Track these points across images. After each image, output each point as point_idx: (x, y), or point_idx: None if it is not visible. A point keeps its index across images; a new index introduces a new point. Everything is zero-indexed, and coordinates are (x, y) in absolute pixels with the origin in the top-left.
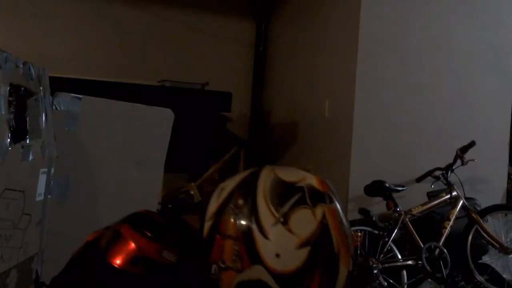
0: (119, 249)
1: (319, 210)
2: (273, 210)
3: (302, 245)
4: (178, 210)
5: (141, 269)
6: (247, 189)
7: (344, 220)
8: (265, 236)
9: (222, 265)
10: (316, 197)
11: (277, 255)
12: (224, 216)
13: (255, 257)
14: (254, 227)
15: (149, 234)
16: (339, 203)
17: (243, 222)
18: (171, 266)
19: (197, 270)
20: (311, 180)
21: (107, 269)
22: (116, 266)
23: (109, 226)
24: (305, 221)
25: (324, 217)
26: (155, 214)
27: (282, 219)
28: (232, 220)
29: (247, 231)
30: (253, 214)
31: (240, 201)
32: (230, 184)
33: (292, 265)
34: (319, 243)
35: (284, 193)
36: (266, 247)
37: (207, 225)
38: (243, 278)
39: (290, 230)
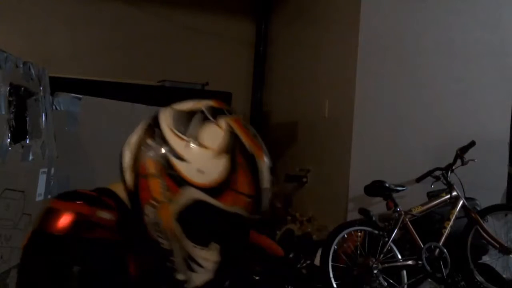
0: (57, 220)
1: (222, 122)
2: (181, 136)
3: (218, 154)
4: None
5: (84, 231)
6: (152, 130)
7: (247, 125)
8: (183, 159)
9: (155, 203)
10: (216, 113)
11: (200, 171)
12: (140, 160)
13: (181, 182)
14: (170, 156)
15: (79, 202)
16: (237, 114)
17: (158, 157)
18: (109, 223)
19: (134, 223)
20: (206, 102)
21: (54, 240)
22: (57, 234)
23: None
24: (212, 134)
25: (229, 126)
26: (86, 190)
27: (191, 140)
28: (148, 160)
29: (166, 163)
30: (165, 146)
31: (149, 141)
32: (135, 133)
33: (216, 174)
34: (232, 148)
35: (186, 119)
36: (187, 168)
37: (128, 175)
38: (178, 206)
39: (202, 146)
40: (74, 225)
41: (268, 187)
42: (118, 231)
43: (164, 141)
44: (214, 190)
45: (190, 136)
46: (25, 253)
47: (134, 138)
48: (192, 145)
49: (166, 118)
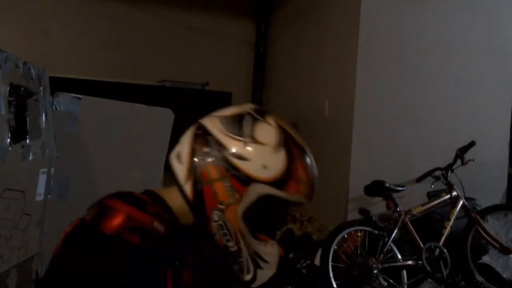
0: (111, 219)
1: (270, 119)
2: (237, 137)
3: (277, 149)
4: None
5: (137, 238)
6: (203, 138)
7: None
8: (245, 159)
9: (222, 206)
10: (261, 113)
11: (264, 166)
12: (200, 168)
13: (247, 180)
14: (231, 158)
15: (139, 207)
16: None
17: (218, 161)
18: (164, 236)
19: (190, 239)
20: (248, 105)
21: (103, 238)
22: (110, 234)
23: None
24: (266, 131)
25: (277, 123)
26: (136, 192)
27: (249, 139)
28: (208, 166)
29: (227, 164)
30: (223, 150)
31: (205, 149)
32: (183, 145)
33: (279, 167)
34: (287, 142)
35: (236, 122)
36: (251, 166)
37: (188, 185)
38: (245, 205)
39: (261, 143)
40: (127, 229)
41: (317, 174)
42: (167, 243)
43: (221, 145)
44: (279, 182)
45: (246, 136)
46: (67, 241)
47: (184, 150)
48: (249, 144)
49: (214, 125)
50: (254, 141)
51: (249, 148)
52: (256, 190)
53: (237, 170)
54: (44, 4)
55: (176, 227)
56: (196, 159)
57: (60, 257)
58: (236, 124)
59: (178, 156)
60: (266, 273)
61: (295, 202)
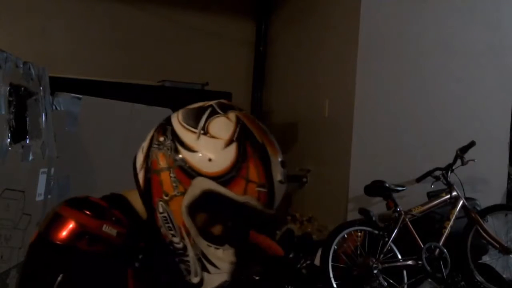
0: (60, 227)
1: (231, 115)
2: (191, 129)
3: (228, 144)
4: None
5: (85, 244)
6: (163, 128)
7: (258, 121)
8: (193, 151)
9: (166, 197)
10: (226, 108)
11: (210, 160)
12: (152, 157)
13: (191, 173)
14: (181, 149)
15: (88, 212)
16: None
17: (170, 152)
18: (113, 239)
19: (145, 239)
20: (217, 100)
21: (53, 249)
22: (60, 243)
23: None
24: (222, 126)
25: (239, 119)
26: (96, 198)
27: (202, 131)
28: (159, 155)
29: (176, 155)
30: (175, 140)
31: (161, 138)
32: (148, 135)
33: (226, 162)
34: (242, 139)
35: (196, 115)
36: (197, 159)
37: (141, 173)
38: (189, 198)
39: (212, 136)
40: (76, 236)
41: (282, 179)
42: (122, 246)
43: (174, 135)
44: (223, 178)
45: (200, 128)
46: (28, 251)
47: (147, 139)
48: (201, 136)
49: (177, 116)
50: (207, 134)
51: (199, 141)
52: (199, 184)
53: (184, 162)
54: (44, 4)
55: (138, 228)
56: (152, 148)
57: (23, 267)
58: (196, 117)
59: (142, 147)
60: (214, 279)
61: (242, 202)
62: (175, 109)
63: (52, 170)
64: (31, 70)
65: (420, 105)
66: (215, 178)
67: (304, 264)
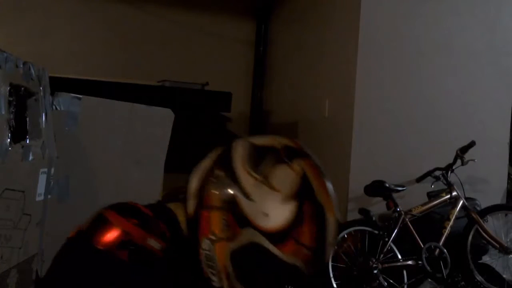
0: (105, 232)
1: (296, 165)
2: (252, 172)
3: (286, 200)
4: (166, 203)
5: (125, 254)
6: (224, 161)
7: (323, 170)
8: (249, 198)
9: (214, 238)
10: (292, 154)
11: (265, 214)
12: (207, 191)
13: (243, 221)
14: (237, 192)
15: (135, 221)
16: (315, 158)
17: (225, 191)
18: (156, 253)
19: (184, 257)
20: (283, 140)
21: (93, 252)
22: (101, 248)
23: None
24: (284, 177)
25: (303, 170)
26: (141, 205)
27: (262, 179)
28: (215, 191)
29: (231, 198)
30: (234, 181)
31: (220, 173)
32: (206, 161)
33: (281, 220)
34: (303, 196)
35: (260, 156)
36: (252, 209)
37: (191, 203)
38: (236, 245)
39: (272, 188)
40: (118, 244)
41: (332, 242)
42: (162, 260)
43: (234, 175)
44: (276, 236)
45: (261, 175)
46: (66, 245)
47: (204, 164)
48: (261, 184)
49: (239, 150)
50: (267, 183)
51: (258, 188)
52: (248, 235)
53: (238, 207)
54: (44, 4)
55: (180, 244)
56: (208, 179)
57: (56, 262)
58: (259, 157)
59: (198, 170)
60: None
61: (288, 263)
62: (175, 109)
63: (52, 170)
64: (31, 70)
65: (420, 105)
66: (267, 234)
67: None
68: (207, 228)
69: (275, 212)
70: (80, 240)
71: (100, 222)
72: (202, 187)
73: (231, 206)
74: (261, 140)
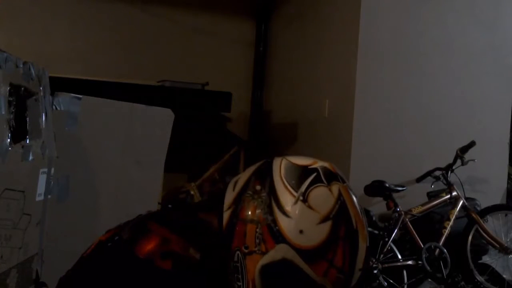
0: (147, 242)
1: (334, 188)
2: (291, 190)
3: (323, 220)
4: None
5: (169, 264)
6: (263, 175)
7: (356, 199)
8: (286, 215)
9: (246, 250)
10: (330, 177)
11: (301, 231)
12: (243, 203)
13: (278, 237)
14: (275, 208)
15: (175, 230)
16: (349, 185)
17: (263, 205)
18: (197, 263)
19: (220, 266)
20: (323, 163)
21: (135, 261)
22: (142, 258)
23: (123, 225)
24: (323, 198)
25: (340, 194)
26: (174, 212)
27: (301, 198)
28: (251, 205)
29: (268, 213)
30: (272, 196)
31: (258, 187)
32: (244, 175)
33: (316, 239)
34: (339, 219)
35: (300, 175)
36: (288, 225)
37: (226, 214)
38: (267, 260)
39: (310, 207)
40: (159, 253)
41: (362, 268)
42: (200, 271)
43: (273, 190)
44: (309, 254)
45: (300, 193)
46: (97, 247)
47: (242, 179)
48: (299, 202)
49: (279, 168)
50: (306, 201)
51: (295, 206)
52: (282, 251)
53: (274, 223)
54: (44, 4)
55: (215, 254)
56: (245, 193)
57: (90, 260)
58: (299, 178)
59: (235, 183)
60: None
61: (318, 283)
62: (175, 109)
63: (52, 170)
64: (31, 70)
65: (420, 105)
66: (301, 251)
67: None
68: (240, 240)
69: (311, 230)
70: (121, 247)
71: (141, 231)
72: (239, 199)
73: (268, 220)
74: (301, 161)
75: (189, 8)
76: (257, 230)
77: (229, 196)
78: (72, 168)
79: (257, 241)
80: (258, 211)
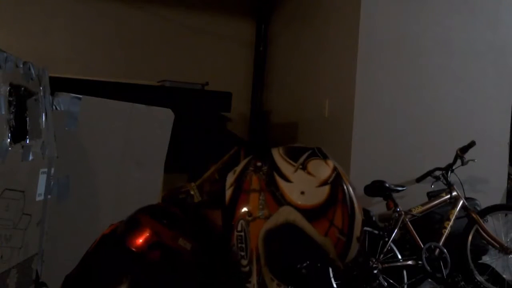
0: (137, 235)
1: (330, 162)
2: (291, 161)
3: (322, 184)
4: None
5: (157, 254)
6: (262, 156)
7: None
8: (288, 180)
9: (249, 218)
10: (325, 155)
11: (302, 193)
12: (246, 178)
13: (281, 200)
14: (277, 177)
15: (165, 222)
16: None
17: (265, 177)
18: (186, 252)
19: (213, 256)
20: (317, 147)
21: (126, 253)
22: (134, 250)
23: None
24: (320, 167)
25: (336, 167)
26: (171, 206)
27: (301, 166)
28: (254, 178)
29: (271, 181)
30: (273, 168)
31: (258, 163)
32: (243, 162)
33: (317, 199)
34: (336, 185)
35: (297, 152)
36: (290, 189)
37: (229, 190)
38: (271, 224)
39: (309, 173)
40: (150, 245)
41: (359, 237)
42: (192, 261)
43: (273, 164)
44: (311, 213)
45: (299, 163)
46: (99, 241)
47: (242, 164)
48: (298, 170)
49: (278, 150)
50: (305, 169)
51: (296, 174)
52: (285, 213)
53: (276, 188)
54: (44, 4)
55: (210, 245)
56: (247, 170)
57: (91, 254)
58: (297, 154)
59: (235, 170)
60: None
61: (319, 243)
62: (175, 109)
63: (52, 170)
64: (31, 70)
65: (420, 105)
66: (303, 211)
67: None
68: (244, 210)
69: (311, 191)
70: (115, 241)
71: (132, 225)
72: (240, 177)
73: (270, 187)
74: (298, 145)
75: (189, 8)
76: (260, 197)
77: (230, 178)
78: (72, 168)
79: (261, 207)
80: (260, 181)
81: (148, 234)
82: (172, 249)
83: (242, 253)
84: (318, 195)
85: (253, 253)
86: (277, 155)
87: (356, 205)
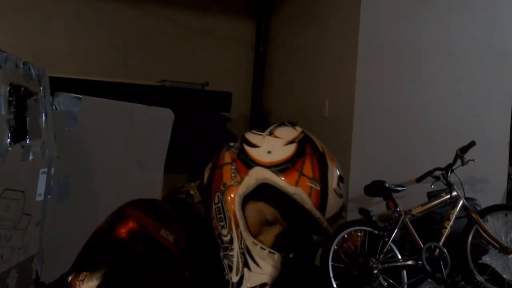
0: (122, 226)
1: (298, 128)
2: (259, 133)
3: (289, 143)
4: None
5: (140, 245)
6: (234, 140)
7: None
8: (255, 146)
9: (223, 188)
10: (294, 124)
11: (269, 152)
12: (219, 156)
13: (250, 163)
14: (246, 147)
15: (150, 214)
16: None
17: (236, 150)
18: (167, 244)
19: (199, 248)
20: (288, 120)
21: (111, 243)
22: (118, 240)
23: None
24: (287, 131)
25: (304, 131)
26: (162, 201)
27: (268, 133)
28: (226, 154)
29: (240, 150)
30: (243, 142)
31: (231, 143)
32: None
33: (284, 155)
34: (304, 142)
35: (266, 127)
36: (258, 152)
37: (207, 174)
38: (244, 188)
39: (276, 136)
40: (134, 235)
41: (337, 189)
42: (177, 254)
43: (243, 139)
44: (278, 167)
45: (267, 132)
46: (92, 235)
47: (217, 154)
48: (267, 137)
49: (249, 130)
50: (272, 135)
51: (263, 140)
52: (255, 173)
53: (245, 155)
54: (44, 4)
55: (197, 239)
56: (221, 151)
57: (83, 248)
58: (266, 127)
59: (213, 159)
60: (254, 278)
61: (292, 194)
62: (175, 109)
63: (52, 170)
64: (31, 70)
65: (420, 105)
66: (271, 166)
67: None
68: (218, 182)
69: (278, 150)
70: (101, 232)
71: (118, 216)
72: (215, 160)
73: (240, 156)
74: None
75: (189, 8)
76: (232, 167)
77: (208, 165)
78: (72, 168)
79: (233, 175)
80: (231, 155)
81: (131, 225)
82: (153, 239)
83: (222, 223)
84: (285, 151)
85: (231, 219)
86: (248, 132)
87: (329, 158)
